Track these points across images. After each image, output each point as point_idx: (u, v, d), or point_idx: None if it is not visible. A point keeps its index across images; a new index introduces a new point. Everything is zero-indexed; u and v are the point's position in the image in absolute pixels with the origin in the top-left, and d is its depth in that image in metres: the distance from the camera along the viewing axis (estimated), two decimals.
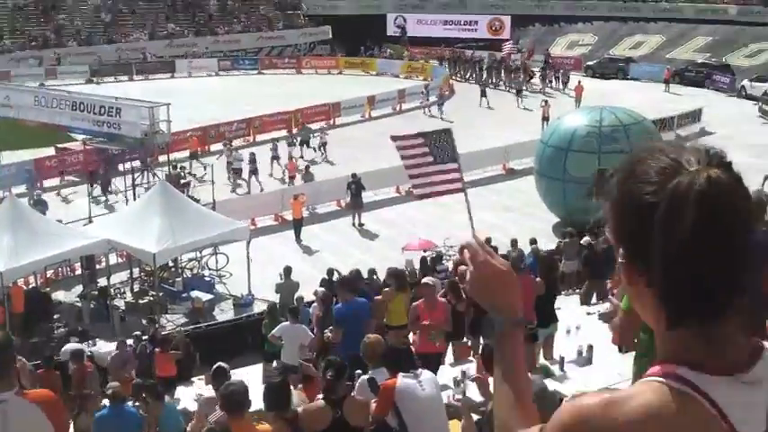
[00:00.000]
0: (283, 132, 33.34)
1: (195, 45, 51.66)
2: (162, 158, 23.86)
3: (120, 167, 24.35)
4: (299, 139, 30.83)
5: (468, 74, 47.05)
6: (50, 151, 28.28)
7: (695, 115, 34.32)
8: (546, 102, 33.89)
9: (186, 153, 28.62)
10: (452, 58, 49.20)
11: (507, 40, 53.27)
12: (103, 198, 25.31)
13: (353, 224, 24.05)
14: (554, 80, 43.62)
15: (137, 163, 23.31)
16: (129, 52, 49.13)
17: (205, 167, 24.81)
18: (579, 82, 39.56)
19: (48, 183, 26.90)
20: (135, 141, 22.66)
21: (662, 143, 1.54)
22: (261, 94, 42.04)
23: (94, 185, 25.47)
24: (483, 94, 39.61)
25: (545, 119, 32.09)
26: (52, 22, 50.33)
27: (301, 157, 29.69)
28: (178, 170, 24.24)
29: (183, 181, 23.48)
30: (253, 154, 27.35)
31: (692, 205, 1.39)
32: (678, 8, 53.00)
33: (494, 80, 44.87)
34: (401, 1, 57.72)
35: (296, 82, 46.79)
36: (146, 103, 23.00)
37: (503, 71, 44.80)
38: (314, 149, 30.45)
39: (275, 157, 28.18)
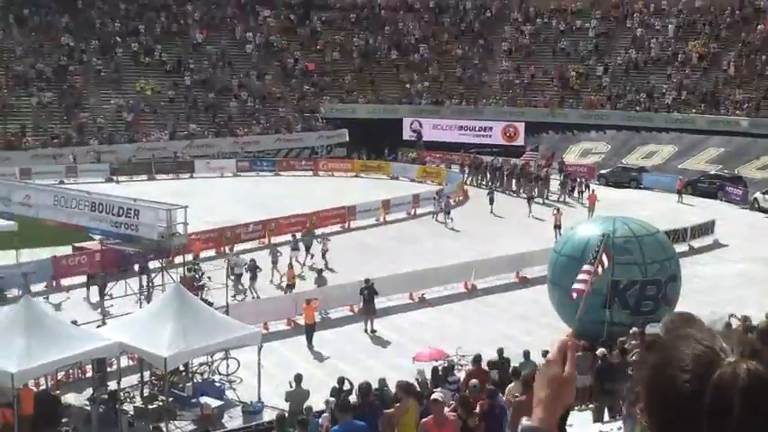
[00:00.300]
0: (299, 235, 33.61)
1: (214, 145, 52.55)
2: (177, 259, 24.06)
3: (136, 268, 24.56)
4: (301, 244, 30.37)
5: (488, 179, 47.25)
6: (68, 250, 28.55)
7: (708, 227, 34.38)
8: (558, 210, 34.14)
9: (204, 254, 28.88)
10: (474, 164, 49.54)
11: (523, 146, 54.25)
12: (99, 300, 25.22)
13: (366, 330, 23.99)
14: (573, 189, 43.80)
15: (153, 263, 23.49)
16: (149, 151, 49.97)
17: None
18: (593, 191, 39.90)
19: (65, 282, 27.09)
20: (151, 243, 22.85)
21: (691, 329, 1.62)
22: (277, 196, 42.60)
23: (91, 287, 25.64)
24: (491, 201, 39.89)
25: (557, 227, 32.27)
26: (75, 121, 51.42)
27: (304, 263, 29.52)
28: (193, 273, 24.37)
29: (197, 284, 23.59)
30: (253, 260, 27.37)
31: (738, 400, 1.48)
32: (690, 119, 53.73)
33: (514, 187, 45.19)
34: (417, 106, 58.92)
35: (312, 184, 47.41)
36: (164, 205, 23.26)
37: (522, 178, 45.01)
38: (318, 255, 30.05)
39: (275, 263, 28.09)
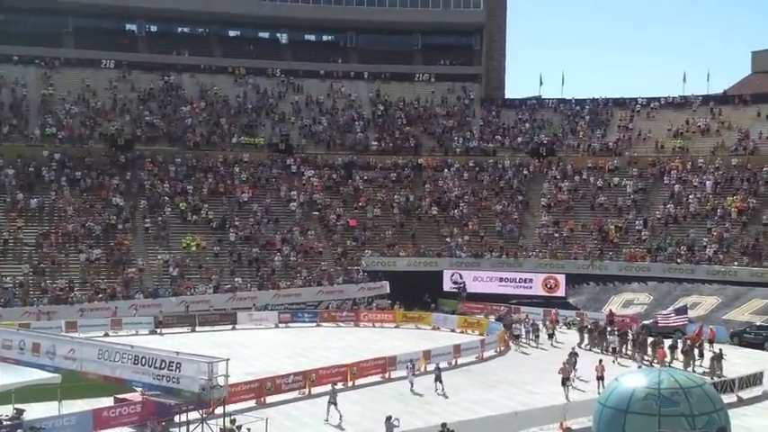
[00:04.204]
0: (339, 385, 33.47)
1: (256, 298, 53.18)
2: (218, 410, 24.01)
3: (176, 419, 24.53)
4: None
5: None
6: (109, 401, 28.64)
7: (756, 378, 33.65)
8: (600, 361, 33.64)
9: (242, 405, 28.77)
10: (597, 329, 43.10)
11: (564, 297, 54.36)
12: None
13: None
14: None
15: (193, 415, 23.47)
16: (193, 304, 50.66)
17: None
18: (662, 348, 38.12)
19: None
20: (192, 395, 22.95)
21: None
22: (318, 347, 42.66)
23: None
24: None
25: (600, 378, 31.80)
26: (121, 276, 52.55)
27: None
28: (233, 426, 24.26)
29: None
30: None
31: None
32: (732, 271, 53.53)
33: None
34: (457, 258, 59.45)
35: (353, 335, 47.48)
36: (205, 358, 23.47)
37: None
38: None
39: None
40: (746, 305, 49.53)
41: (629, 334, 40.96)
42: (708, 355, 37.35)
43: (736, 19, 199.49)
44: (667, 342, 38.63)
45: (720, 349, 37.35)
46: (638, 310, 52.16)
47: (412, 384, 32.99)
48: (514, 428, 25.93)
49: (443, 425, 23.82)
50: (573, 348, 36.85)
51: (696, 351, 37.51)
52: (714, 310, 50.11)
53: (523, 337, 43.98)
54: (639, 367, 35.37)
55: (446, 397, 31.70)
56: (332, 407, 28.22)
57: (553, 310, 49.82)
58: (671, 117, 71.71)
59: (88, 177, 61.57)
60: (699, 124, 69.72)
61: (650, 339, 39.32)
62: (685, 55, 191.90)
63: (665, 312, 44.32)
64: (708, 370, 35.67)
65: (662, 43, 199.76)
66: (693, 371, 34.59)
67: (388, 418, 25.66)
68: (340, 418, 27.79)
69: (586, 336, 42.56)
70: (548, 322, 46.73)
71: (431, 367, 36.98)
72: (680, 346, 38.11)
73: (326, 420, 27.87)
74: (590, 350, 40.71)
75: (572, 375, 32.82)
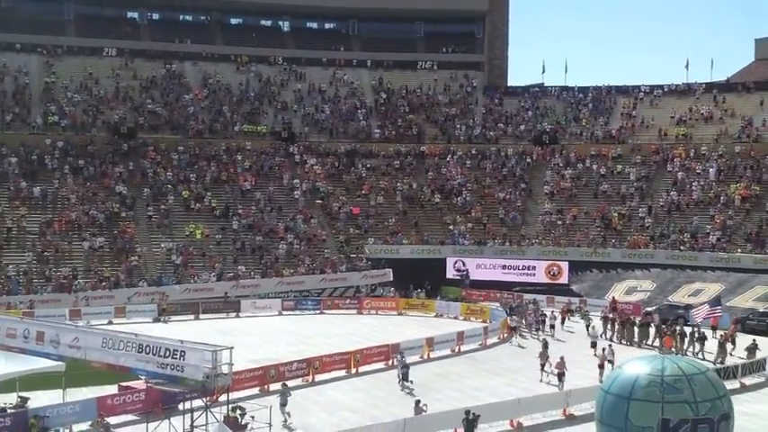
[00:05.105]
0: (342, 372, 33.56)
1: (259, 286, 53.24)
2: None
3: (180, 407, 24.58)
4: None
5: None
6: (113, 389, 28.72)
7: (760, 364, 33.72)
8: (604, 349, 33.72)
9: (246, 392, 28.83)
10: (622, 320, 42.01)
11: (567, 284, 54.51)
12: None
13: None
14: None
15: (197, 402, 23.51)
16: (196, 292, 50.72)
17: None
18: (667, 334, 38.35)
19: (109, 420, 27.05)
20: (196, 384, 22.98)
21: None
22: (322, 334, 42.76)
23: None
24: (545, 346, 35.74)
25: (601, 366, 31.87)
26: (125, 264, 52.60)
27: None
28: (237, 413, 24.30)
29: (241, 422, 23.50)
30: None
31: None
32: (736, 258, 53.53)
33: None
34: (460, 246, 59.45)
35: (357, 322, 47.57)
36: (209, 347, 23.50)
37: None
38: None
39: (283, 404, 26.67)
40: (750, 292, 49.54)
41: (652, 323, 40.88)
42: (715, 341, 37.35)
43: (739, 6, 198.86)
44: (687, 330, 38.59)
45: (703, 332, 37.71)
46: (641, 296, 52.20)
47: (400, 378, 31.47)
48: (518, 415, 25.99)
49: (467, 412, 23.88)
50: (544, 340, 36.90)
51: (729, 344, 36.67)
52: (718, 296, 50.02)
53: (534, 326, 43.82)
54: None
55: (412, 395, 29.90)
56: (283, 408, 26.48)
57: (566, 300, 50.26)
58: (674, 104, 71.56)
59: (91, 165, 61.58)
60: (702, 112, 69.55)
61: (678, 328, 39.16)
62: (689, 42, 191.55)
63: (698, 306, 42.91)
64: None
65: (666, 31, 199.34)
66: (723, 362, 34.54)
67: (417, 402, 25.79)
68: (285, 421, 26.11)
69: (608, 327, 41.79)
70: (559, 313, 45.74)
71: (434, 355, 37.11)
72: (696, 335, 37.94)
73: (285, 423, 26.26)
74: (612, 341, 39.56)
75: (545, 366, 32.70)
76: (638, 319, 42.35)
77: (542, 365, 32.91)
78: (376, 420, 25.36)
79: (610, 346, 34.90)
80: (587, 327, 41.61)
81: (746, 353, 35.47)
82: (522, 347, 39.96)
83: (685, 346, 37.68)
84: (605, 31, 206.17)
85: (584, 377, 31.82)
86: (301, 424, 26.60)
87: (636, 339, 39.98)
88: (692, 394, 21.21)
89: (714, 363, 34.07)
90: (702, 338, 37.42)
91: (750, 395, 30.71)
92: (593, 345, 37.30)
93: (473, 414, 23.79)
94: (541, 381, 32.25)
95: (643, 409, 20.40)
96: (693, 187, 61.54)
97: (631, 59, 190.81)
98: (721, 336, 37.27)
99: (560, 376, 30.98)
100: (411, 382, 31.03)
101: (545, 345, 35.16)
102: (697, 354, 36.55)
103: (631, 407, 21.23)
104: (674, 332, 38.69)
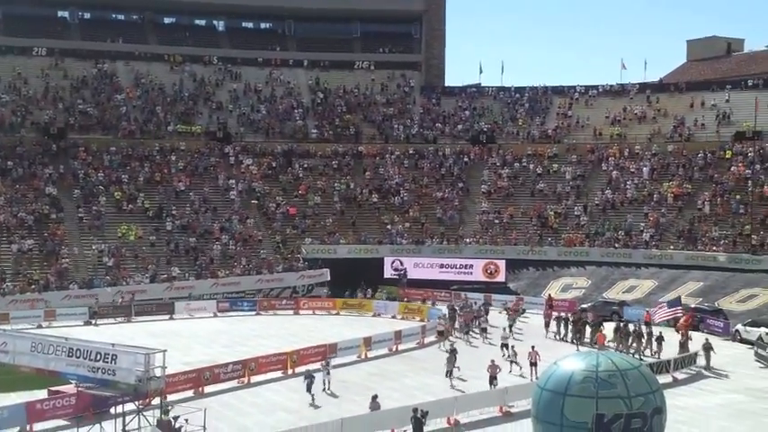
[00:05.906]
0: (279, 373, 33.18)
1: (194, 287, 52.46)
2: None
3: (112, 411, 23.99)
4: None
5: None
6: (43, 394, 27.96)
7: (691, 359, 34.33)
8: (533, 347, 33.56)
9: (180, 395, 28.28)
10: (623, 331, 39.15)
11: (504, 282, 54.83)
12: None
13: None
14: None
15: (129, 406, 22.99)
16: (128, 294, 49.71)
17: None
18: (601, 331, 38.31)
19: (38, 426, 26.34)
20: (128, 387, 22.54)
21: None
22: (258, 335, 42.29)
23: None
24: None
25: (533, 364, 31.96)
26: (55, 267, 51.35)
27: None
28: (170, 417, 23.79)
29: (175, 425, 22.99)
30: None
31: None
32: (668, 255, 54.56)
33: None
34: (398, 245, 59.43)
35: (293, 323, 47.17)
36: (141, 350, 23.07)
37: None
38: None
39: None
40: (682, 287, 50.41)
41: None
42: (652, 337, 37.73)
43: (671, 7, 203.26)
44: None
45: (660, 332, 37.94)
46: (576, 294, 52.80)
47: (325, 385, 30.24)
48: (455, 412, 25.96)
49: (415, 410, 23.68)
50: (452, 344, 36.08)
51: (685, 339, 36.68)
52: (651, 293, 50.97)
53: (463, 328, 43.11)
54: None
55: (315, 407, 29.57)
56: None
57: (514, 298, 50.53)
58: (609, 105, 72.58)
59: (20, 167, 60.01)
60: (636, 112, 70.70)
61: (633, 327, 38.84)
62: (623, 43, 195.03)
63: (657, 306, 43.00)
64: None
65: (600, 32, 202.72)
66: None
67: (374, 397, 25.57)
68: None
69: (562, 326, 41.57)
70: (508, 312, 45.25)
71: (371, 354, 36.96)
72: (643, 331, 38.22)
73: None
74: (569, 341, 40.06)
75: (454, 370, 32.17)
76: (584, 319, 41.85)
77: (449, 371, 31.94)
78: (313, 421, 25.09)
79: (512, 347, 34.69)
80: (510, 327, 41.46)
81: (704, 352, 34.92)
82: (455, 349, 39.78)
83: (642, 347, 37.59)
84: (541, 32, 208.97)
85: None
86: (237, 426, 26.21)
87: (587, 339, 39.68)
88: (625, 389, 21.37)
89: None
90: (660, 338, 37.25)
91: (682, 389, 31.20)
92: (504, 346, 36.19)
93: (421, 411, 23.65)
94: (511, 371, 32.56)
95: (578, 404, 20.48)
96: (627, 186, 62.50)
97: (567, 60, 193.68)
98: (682, 335, 37.17)
99: (533, 366, 31.37)
100: (313, 395, 29.15)
101: (452, 351, 33.41)
102: (655, 354, 36.70)
103: (567, 403, 21.30)
104: (628, 331, 38.03)
